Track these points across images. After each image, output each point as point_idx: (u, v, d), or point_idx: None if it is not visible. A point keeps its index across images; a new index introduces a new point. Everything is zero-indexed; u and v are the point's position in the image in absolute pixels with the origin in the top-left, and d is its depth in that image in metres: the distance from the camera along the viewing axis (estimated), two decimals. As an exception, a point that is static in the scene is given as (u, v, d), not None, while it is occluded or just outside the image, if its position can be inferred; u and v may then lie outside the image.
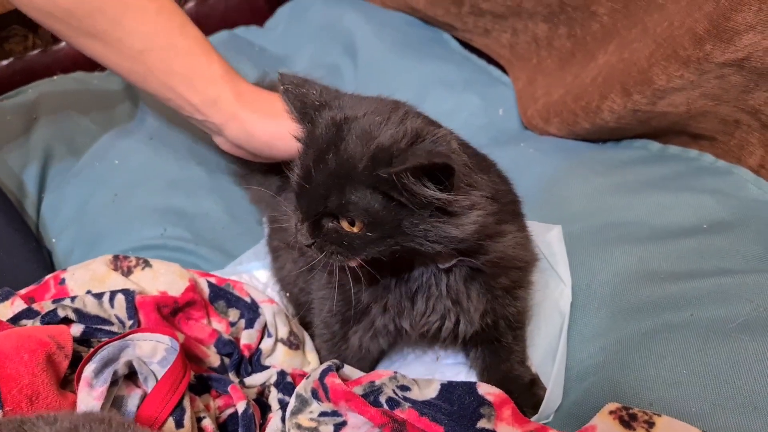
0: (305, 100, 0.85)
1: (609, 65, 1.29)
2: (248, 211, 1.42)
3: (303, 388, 0.93)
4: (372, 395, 0.87)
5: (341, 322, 1.05)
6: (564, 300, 1.04)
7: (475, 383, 0.90)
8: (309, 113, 0.85)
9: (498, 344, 1.03)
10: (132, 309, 1.00)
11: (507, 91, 1.60)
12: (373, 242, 0.80)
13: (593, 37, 1.39)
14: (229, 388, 0.98)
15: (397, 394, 0.88)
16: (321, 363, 1.13)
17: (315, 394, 0.91)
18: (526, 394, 1.00)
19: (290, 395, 1.01)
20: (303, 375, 1.08)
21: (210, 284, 1.11)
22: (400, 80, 1.60)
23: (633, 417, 0.85)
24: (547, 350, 1.04)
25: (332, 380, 0.89)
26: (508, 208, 0.90)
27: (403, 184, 0.74)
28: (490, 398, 0.87)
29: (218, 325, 1.10)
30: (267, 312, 1.11)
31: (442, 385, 0.92)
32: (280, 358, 1.11)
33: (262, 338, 1.11)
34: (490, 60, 1.71)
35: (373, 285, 0.94)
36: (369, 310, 0.98)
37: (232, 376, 1.06)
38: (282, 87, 0.87)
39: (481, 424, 0.84)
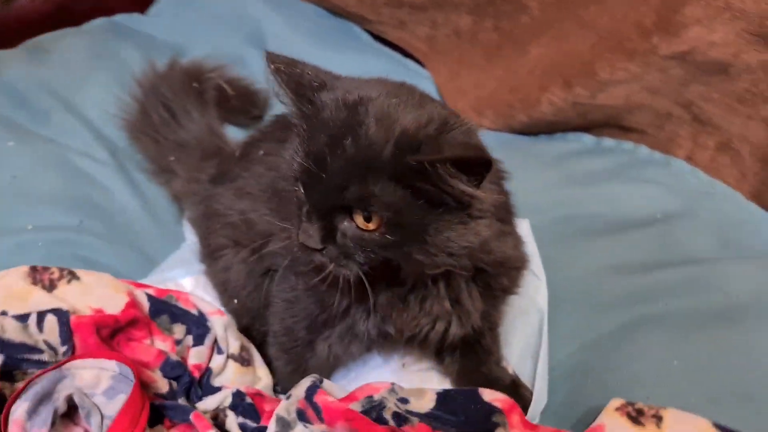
0: (301, 81, 0.76)
1: (548, 58, 1.29)
2: (168, 210, 1.26)
3: (285, 410, 0.82)
4: (374, 412, 0.79)
5: (309, 327, 0.94)
6: (540, 295, 1.01)
7: (476, 390, 0.84)
8: (306, 94, 0.75)
9: (478, 346, 0.97)
10: (66, 332, 0.84)
11: (428, 84, 1.56)
12: (389, 248, 0.71)
13: (523, 29, 1.38)
14: (191, 417, 0.85)
15: (399, 408, 0.80)
16: (275, 377, 1.02)
17: (302, 416, 0.80)
18: (511, 396, 0.95)
19: (252, 419, 0.90)
20: (259, 394, 0.96)
21: (149, 297, 0.96)
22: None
23: (640, 412, 0.83)
24: (524, 349, 1.01)
25: (324, 398, 0.79)
26: (506, 206, 0.86)
27: (438, 175, 0.66)
28: (498, 405, 0.82)
29: (163, 344, 0.95)
30: (217, 325, 0.98)
31: (439, 395, 0.85)
32: (230, 377, 0.98)
33: (211, 356, 0.98)
34: (405, 53, 1.66)
35: (359, 286, 0.85)
36: (348, 313, 0.89)
37: (182, 402, 0.92)
38: (272, 66, 0.76)
39: (498, 432, 0.78)
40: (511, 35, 1.41)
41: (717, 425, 0.80)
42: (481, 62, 1.49)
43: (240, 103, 1.45)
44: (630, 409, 0.84)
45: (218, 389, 0.95)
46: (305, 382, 0.83)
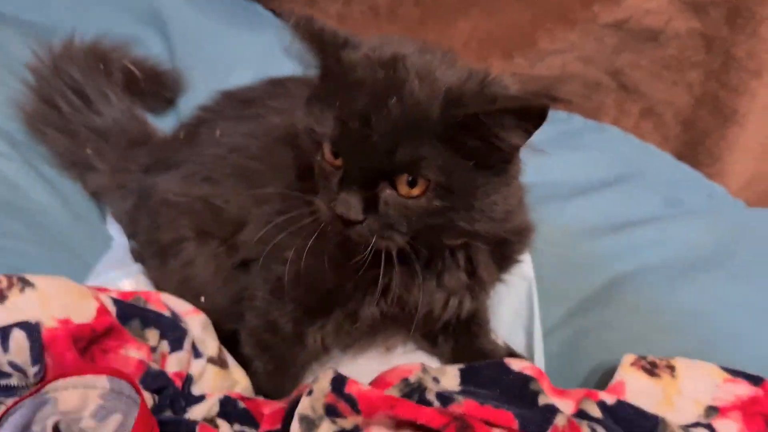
0: (323, 37, 0.70)
1: (482, 30, 1.29)
2: (92, 208, 1.10)
3: (309, 407, 0.74)
4: (415, 394, 0.73)
5: (298, 320, 0.87)
6: (526, 263, 1.00)
7: (502, 361, 0.82)
8: (330, 51, 0.69)
9: (472, 320, 0.95)
10: (38, 349, 0.70)
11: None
12: (435, 214, 0.67)
13: (447, 3, 1.36)
14: (197, 430, 0.74)
15: (440, 388, 0.75)
16: (252, 378, 0.92)
17: (332, 411, 0.73)
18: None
19: (250, 425, 0.82)
20: (251, 398, 0.87)
21: (116, 301, 0.83)
22: (237, 54, 1.39)
23: (653, 365, 0.85)
24: (514, 319, 1.00)
25: (358, 388, 0.72)
26: None
27: (493, 128, 0.62)
28: (529, 372, 0.79)
29: (138, 353, 0.82)
30: (194, 325, 0.87)
31: (462, 371, 0.81)
32: (210, 383, 0.87)
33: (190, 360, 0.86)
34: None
35: (370, 264, 0.79)
36: (351, 296, 0.83)
37: (168, 415, 0.81)
38: (292, 22, 0.69)
39: (542, 400, 0.75)
40: (434, 9, 1.39)
41: (724, 368, 0.84)
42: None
43: (150, 85, 1.30)
44: (644, 362, 0.85)
45: (201, 398, 0.84)
46: (326, 376, 0.75)
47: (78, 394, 0.69)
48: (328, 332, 0.87)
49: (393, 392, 0.73)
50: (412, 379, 0.75)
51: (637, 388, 0.83)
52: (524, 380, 0.78)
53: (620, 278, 0.99)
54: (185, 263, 0.94)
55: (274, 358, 0.91)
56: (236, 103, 1.00)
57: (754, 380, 0.83)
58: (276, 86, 0.99)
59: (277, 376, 0.94)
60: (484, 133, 0.63)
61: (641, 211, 1.10)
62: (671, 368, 0.84)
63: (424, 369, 0.77)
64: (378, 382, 0.76)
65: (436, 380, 0.77)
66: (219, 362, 0.89)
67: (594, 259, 1.02)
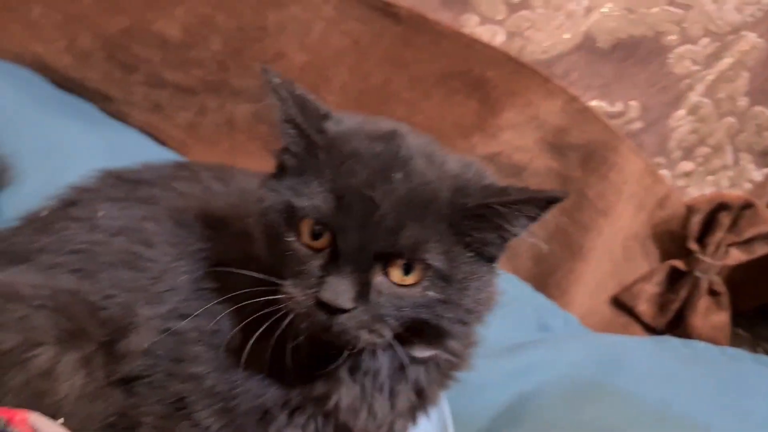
0: (306, 105, 0.64)
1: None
2: None
3: None
4: None
5: None
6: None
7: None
8: (315, 121, 0.63)
9: None
10: None
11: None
12: (427, 307, 0.61)
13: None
14: None
15: None
16: None
17: None
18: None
19: None
20: None
21: (-31, 419, 0.60)
22: (73, 148, 1.22)
23: None
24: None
25: None
26: None
27: (505, 220, 0.60)
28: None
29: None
30: (66, 459, 0.66)
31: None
32: None
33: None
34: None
35: (303, 375, 0.69)
36: (274, 419, 0.70)
37: None
38: (276, 80, 0.63)
39: None
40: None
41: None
42: (259, 153, 1.39)
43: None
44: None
45: None
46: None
47: None
48: None
49: None
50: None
51: None
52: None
53: (524, 397, 0.98)
54: (39, 374, 0.73)
55: None
56: (123, 183, 0.85)
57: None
58: (180, 169, 0.87)
59: None
60: (494, 223, 0.60)
61: (523, 334, 1.13)
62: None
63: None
64: None
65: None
66: (89, 507, 0.68)
67: (495, 379, 1.00)
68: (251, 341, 0.64)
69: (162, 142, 1.44)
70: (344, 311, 0.58)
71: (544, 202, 0.60)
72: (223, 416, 0.69)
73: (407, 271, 0.59)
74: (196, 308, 0.71)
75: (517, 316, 1.16)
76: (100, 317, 0.74)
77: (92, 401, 0.73)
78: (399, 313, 0.60)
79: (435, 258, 0.59)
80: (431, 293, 0.60)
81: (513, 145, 1.22)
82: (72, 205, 0.84)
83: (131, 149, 1.27)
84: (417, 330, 0.63)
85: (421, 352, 0.67)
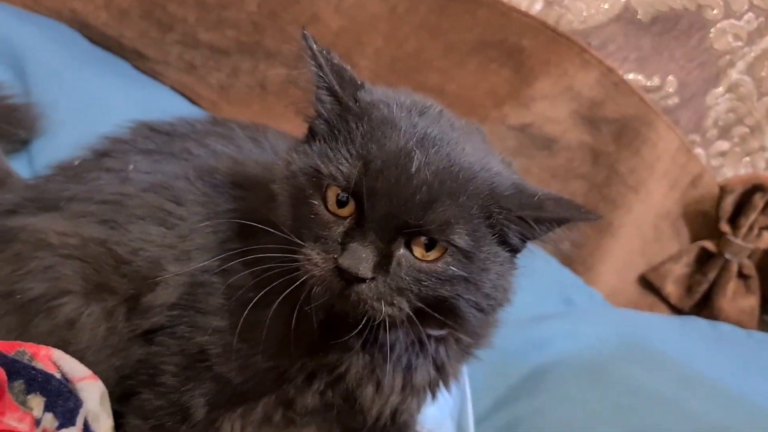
0: (342, 73, 0.64)
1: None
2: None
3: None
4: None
5: (214, 403, 0.72)
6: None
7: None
8: (349, 89, 0.63)
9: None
10: None
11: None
12: (447, 283, 0.60)
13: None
14: None
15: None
16: None
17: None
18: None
19: None
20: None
21: (-2, 352, 0.62)
22: (109, 102, 1.23)
23: None
24: (440, 408, 0.92)
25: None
26: None
27: (536, 229, 0.61)
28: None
29: (19, 425, 0.61)
30: (91, 395, 0.67)
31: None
32: (98, 474, 0.68)
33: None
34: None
35: (320, 342, 0.68)
36: (293, 379, 0.70)
37: None
38: (315, 47, 0.63)
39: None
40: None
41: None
42: (290, 116, 1.39)
43: (3, 122, 1.09)
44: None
45: (90, 492, 0.65)
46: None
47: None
48: (252, 421, 0.73)
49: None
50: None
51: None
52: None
53: (543, 368, 0.98)
54: (64, 323, 0.74)
55: None
56: (156, 134, 0.86)
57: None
58: (215, 125, 0.87)
59: None
60: (523, 226, 0.60)
61: (546, 307, 1.12)
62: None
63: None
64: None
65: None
66: (113, 446, 0.69)
67: (514, 350, 1.00)
68: (275, 304, 0.64)
69: (194, 102, 1.45)
70: (362, 281, 0.58)
71: (577, 221, 0.61)
72: (242, 372, 0.70)
73: (431, 246, 0.59)
74: (223, 266, 0.72)
75: (541, 288, 1.15)
76: (126, 270, 0.75)
77: (114, 352, 0.75)
78: (419, 288, 0.59)
79: (461, 238, 0.58)
80: (453, 269, 0.59)
81: (545, 117, 1.21)
82: (105, 155, 0.85)
83: (165, 106, 1.27)
84: (434, 309, 0.62)
85: (435, 331, 0.67)
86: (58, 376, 0.66)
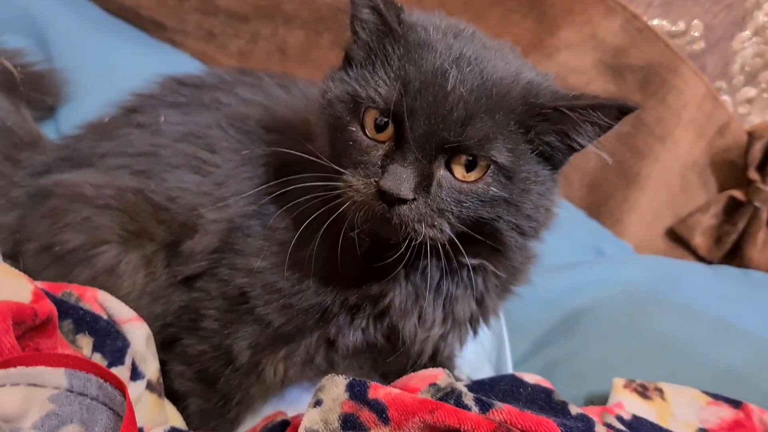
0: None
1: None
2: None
3: (320, 421, 0.59)
4: (450, 399, 0.62)
5: (256, 346, 0.72)
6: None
7: (513, 374, 0.73)
8: (393, 10, 0.63)
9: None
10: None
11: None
12: (489, 205, 0.61)
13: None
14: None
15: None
16: (184, 413, 0.76)
17: (351, 422, 0.59)
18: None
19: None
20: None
21: (45, 293, 0.62)
22: (129, 69, 1.22)
23: (644, 387, 0.83)
24: (478, 353, 0.92)
25: (387, 392, 0.60)
26: None
27: (575, 123, 0.60)
28: (546, 384, 0.72)
29: (71, 360, 0.62)
30: (137, 337, 0.68)
31: (470, 387, 0.71)
32: (145, 415, 0.68)
33: (128, 381, 0.67)
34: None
35: (362, 274, 0.69)
36: (335, 317, 0.70)
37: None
38: None
39: (574, 410, 0.67)
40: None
41: (704, 392, 0.84)
42: (312, 81, 1.39)
43: (29, 88, 1.10)
44: (635, 385, 0.83)
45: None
46: (335, 382, 0.61)
47: (18, 394, 0.49)
48: (295, 362, 0.73)
49: (425, 397, 0.61)
50: (442, 383, 0.63)
51: (634, 410, 0.79)
52: (546, 392, 0.69)
53: (578, 311, 0.98)
54: (103, 271, 0.75)
55: (217, 395, 0.75)
56: (185, 87, 0.86)
57: (734, 403, 0.83)
58: (243, 74, 0.88)
59: (217, 416, 0.77)
60: (562, 128, 0.60)
61: (578, 254, 1.12)
62: (660, 391, 0.83)
63: (449, 374, 0.66)
64: (403, 387, 0.63)
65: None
66: (157, 389, 0.70)
67: (549, 295, 1.00)
68: (315, 241, 0.64)
69: (215, 70, 1.45)
70: (404, 202, 0.58)
71: (616, 111, 0.59)
72: (283, 312, 0.70)
73: (471, 167, 0.59)
74: (260, 207, 0.72)
75: (571, 238, 1.14)
76: (163, 218, 0.76)
77: (154, 299, 0.76)
78: (459, 209, 0.60)
79: (501, 154, 0.59)
80: (494, 189, 0.59)
81: (569, 67, 1.19)
82: (134, 111, 0.86)
83: (187, 70, 1.27)
84: (476, 232, 0.62)
85: (470, 260, 0.67)
86: (104, 317, 0.66)
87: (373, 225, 0.61)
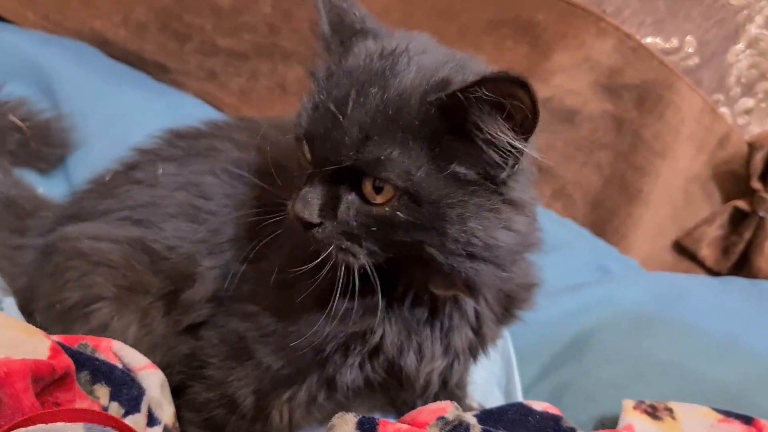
0: (343, 18, 0.64)
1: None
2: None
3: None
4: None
5: (260, 391, 0.73)
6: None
7: (521, 402, 0.74)
8: (343, 34, 0.64)
9: (456, 385, 0.84)
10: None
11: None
12: (399, 230, 0.58)
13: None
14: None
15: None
16: None
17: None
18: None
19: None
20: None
21: (62, 346, 0.64)
22: (134, 116, 1.26)
23: (654, 408, 0.83)
24: (488, 378, 0.93)
25: (397, 429, 0.61)
26: None
27: (474, 116, 0.54)
28: (553, 412, 0.73)
29: (87, 412, 0.63)
30: (152, 383, 0.70)
31: (479, 417, 0.72)
32: (161, 460, 0.70)
33: (143, 428, 0.68)
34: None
35: (347, 310, 0.67)
36: (329, 357, 0.70)
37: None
38: None
39: (581, 438, 0.68)
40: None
41: (715, 409, 0.84)
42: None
43: (39, 142, 1.13)
44: (645, 406, 0.83)
45: (156, 477, 0.67)
46: (345, 420, 0.62)
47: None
48: (299, 404, 0.73)
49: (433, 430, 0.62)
50: (450, 416, 0.64)
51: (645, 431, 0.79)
52: (555, 419, 0.71)
53: (585, 333, 0.98)
54: (98, 328, 0.76)
55: None
56: (182, 139, 0.88)
57: (745, 419, 0.83)
58: (242, 121, 0.89)
59: None
60: (465, 127, 0.54)
61: (584, 273, 1.12)
62: (670, 411, 0.83)
63: (457, 406, 0.67)
64: (412, 424, 0.64)
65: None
66: (174, 432, 0.72)
67: (555, 318, 1.00)
68: (300, 282, 0.65)
69: (218, 108, 1.48)
70: (312, 225, 0.59)
71: (507, 82, 0.53)
72: (280, 355, 0.70)
73: (378, 190, 0.57)
74: (251, 254, 0.73)
75: (575, 258, 1.16)
76: (163, 266, 0.77)
77: (152, 349, 0.76)
78: (371, 233, 0.58)
79: (395, 175, 0.55)
80: (400, 214, 0.57)
81: (565, 89, 1.21)
82: (134, 168, 0.87)
83: (191, 111, 1.30)
84: (405, 257, 0.60)
85: (440, 291, 0.66)
86: (120, 366, 0.68)
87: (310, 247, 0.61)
